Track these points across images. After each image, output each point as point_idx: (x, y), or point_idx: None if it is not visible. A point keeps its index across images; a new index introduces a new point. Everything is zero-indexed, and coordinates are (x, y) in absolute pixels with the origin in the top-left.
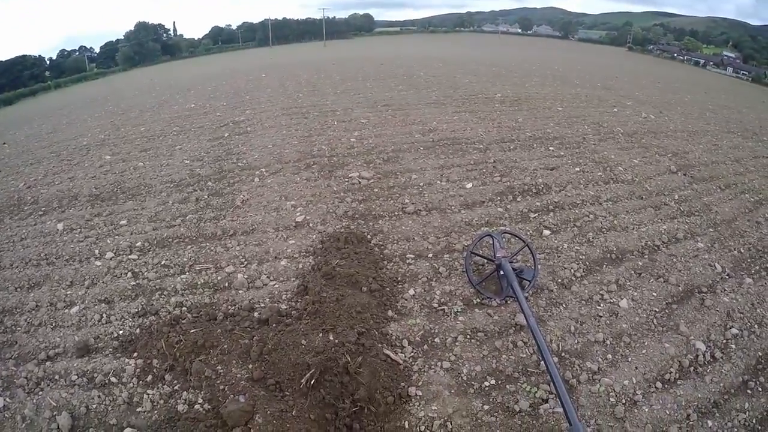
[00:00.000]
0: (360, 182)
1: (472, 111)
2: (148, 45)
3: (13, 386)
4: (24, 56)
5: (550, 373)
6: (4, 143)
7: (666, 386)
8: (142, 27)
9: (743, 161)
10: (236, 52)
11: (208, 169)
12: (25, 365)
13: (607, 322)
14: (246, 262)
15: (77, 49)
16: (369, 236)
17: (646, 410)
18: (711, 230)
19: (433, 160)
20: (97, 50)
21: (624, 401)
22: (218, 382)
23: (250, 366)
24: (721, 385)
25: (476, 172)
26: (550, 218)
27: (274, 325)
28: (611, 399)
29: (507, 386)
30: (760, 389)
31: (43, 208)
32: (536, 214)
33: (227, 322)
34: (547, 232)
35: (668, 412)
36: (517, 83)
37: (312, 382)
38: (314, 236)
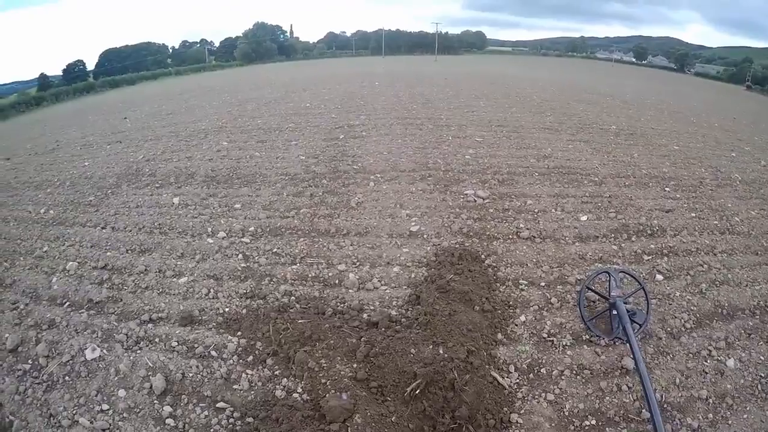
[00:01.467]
0: (475, 200)
1: (587, 141)
2: (265, 44)
3: (112, 340)
4: (149, 43)
5: (654, 422)
6: (125, 118)
7: None
8: (260, 26)
9: None
10: (349, 58)
11: (323, 168)
12: (126, 323)
13: (713, 380)
14: (358, 263)
15: (198, 41)
16: (483, 256)
17: None
18: None
19: (548, 188)
20: (217, 44)
21: None
22: (320, 375)
23: (355, 365)
24: None
25: (591, 205)
26: (663, 263)
27: (383, 329)
28: None
29: (607, 429)
30: None
31: (159, 181)
32: (650, 257)
33: (336, 318)
34: (659, 276)
35: None
36: (632, 116)
37: (417, 392)
38: (428, 248)
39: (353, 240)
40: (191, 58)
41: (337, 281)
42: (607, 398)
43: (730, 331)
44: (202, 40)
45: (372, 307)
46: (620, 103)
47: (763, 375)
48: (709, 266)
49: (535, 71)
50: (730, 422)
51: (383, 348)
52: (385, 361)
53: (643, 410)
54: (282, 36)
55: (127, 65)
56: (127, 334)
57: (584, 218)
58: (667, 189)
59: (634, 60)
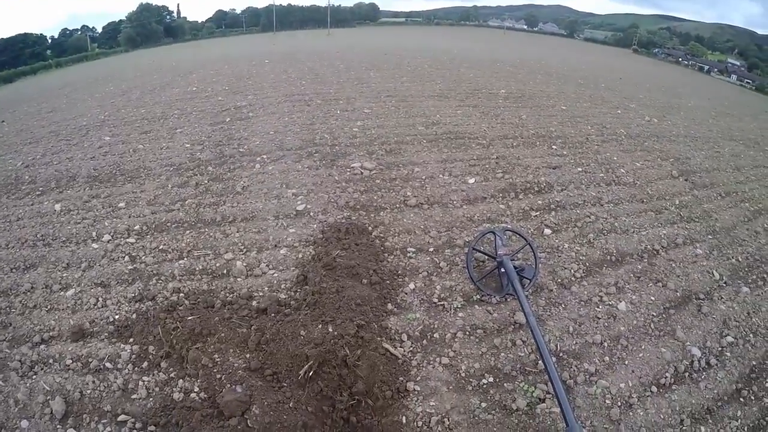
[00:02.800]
0: (362, 173)
1: (476, 106)
2: (151, 26)
3: (7, 369)
4: (25, 34)
5: (549, 373)
6: (3, 121)
7: (661, 391)
8: (145, 8)
9: (744, 170)
10: (240, 36)
11: (209, 154)
12: (19, 348)
13: (606, 324)
14: (245, 250)
15: (79, 28)
16: (370, 228)
17: (641, 414)
18: (710, 237)
19: (436, 154)
20: (100, 30)
21: (620, 404)
22: (215, 371)
23: (248, 355)
24: (715, 392)
25: (479, 167)
26: (551, 217)
27: (272, 314)
28: (607, 401)
29: (505, 384)
30: (752, 398)
31: (40, 188)
32: (538, 213)
33: (225, 310)
34: (548, 231)
35: (662, 417)
36: (521, 80)
37: (310, 374)
38: (315, 226)
39: (239, 226)
40: (73, 47)
41: (225, 271)
42: (503, 354)
43: (620, 276)
44: (83, 26)
45: (261, 294)
46: (510, 69)
47: (654, 314)
48: (596, 217)
49: (428, 41)
50: (626, 362)
51: (273, 334)
52: (277, 347)
53: (540, 361)
54: (168, 17)
55: (2, 62)
56: (20, 360)
57: (472, 181)
58: (554, 147)
59: (525, 27)
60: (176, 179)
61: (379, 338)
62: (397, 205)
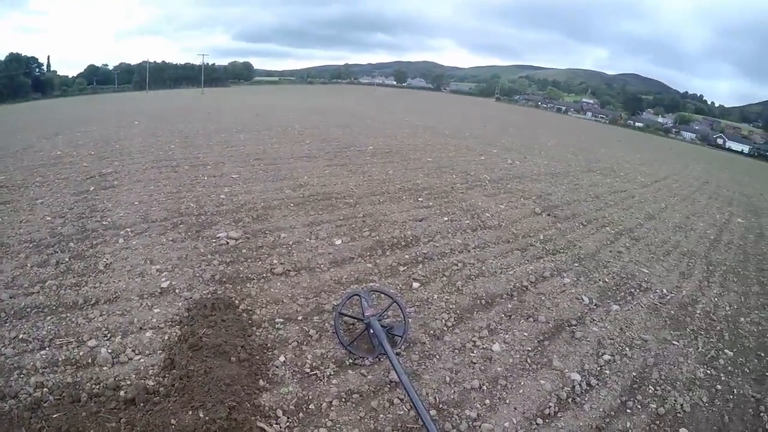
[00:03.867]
0: (228, 243)
1: (344, 164)
2: (19, 79)
3: None
4: None
5: (427, 428)
6: None
7: (547, 421)
8: (13, 59)
9: (602, 197)
10: (111, 94)
11: (71, 228)
12: None
13: (482, 367)
14: (110, 335)
15: None
16: (237, 301)
17: None
18: (576, 265)
19: (303, 217)
20: None
21: None
22: None
23: None
24: (601, 410)
25: (346, 227)
26: (419, 270)
27: (141, 404)
28: None
29: None
30: (639, 407)
31: None
32: (405, 267)
33: (92, 403)
34: (416, 284)
35: None
36: (389, 134)
37: None
38: (180, 303)
39: (103, 309)
40: None
41: (89, 360)
42: (381, 416)
43: (491, 318)
44: None
45: (128, 382)
46: (378, 124)
47: (529, 348)
48: (463, 264)
49: (300, 100)
50: (508, 401)
51: (144, 426)
52: None
53: (419, 418)
54: (38, 69)
55: None
56: None
57: (339, 242)
58: (420, 199)
59: (395, 83)
60: (36, 257)
61: (252, 418)
62: (264, 275)
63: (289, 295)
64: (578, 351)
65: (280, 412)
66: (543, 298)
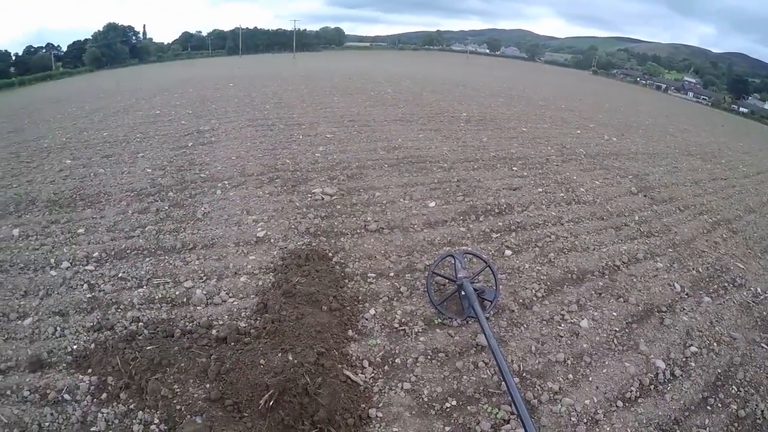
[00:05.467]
0: (323, 198)
1: (437, 129)
2: (117, 47)
3: None
4: None
5: (511, 394)
6: None
7: (627, 405)
8: (111, 28)
9: (701, 183)
10: (205, 59)
11: (170, 179)
12: None
13: (568, 342)
14: (205, 277)
15: (44, 46)
16: (330, 254)
17: (608, 429)
18: (670, 250)
19: (397, 178)
20: (65, 49)
21: (585, 421)
22: (175, 401)
23: (208, 386)
24: (682, 402)
25: (440, 191)
26: (512, 238)
27: (232, 343)
28: (572, 419)
29: (468, 407)
30: (719, 405)
31: None
32: (498, 234)
33: (184, 339)
34: (508, 252)
35: (629, 431)
36: (483, 103)
37: (270, 404)
38: (275, 252)
39: (200, 253)
40: (37, 65)
41: (184, 299)
42: (465, 377)
43: (581, 294)
44: (48, 44)
45: (221, 322)
46: (472, 92)
47: (617, 329)
48: (556, 236)
49: (391, 65)
50: (590, 379)
51: (233, 363)
52: (237, 377)
53: (502, 383)
54: (134, 37)
55: None
56: None
57: (432, 204)
58: (514, 168)
59: (487, 51)
60: (136, 205)
61: (339, 365)
62: (358, 231)
63: (382, 251)
64: (666, 338)
65: (366, 363)
66: (634, 279)
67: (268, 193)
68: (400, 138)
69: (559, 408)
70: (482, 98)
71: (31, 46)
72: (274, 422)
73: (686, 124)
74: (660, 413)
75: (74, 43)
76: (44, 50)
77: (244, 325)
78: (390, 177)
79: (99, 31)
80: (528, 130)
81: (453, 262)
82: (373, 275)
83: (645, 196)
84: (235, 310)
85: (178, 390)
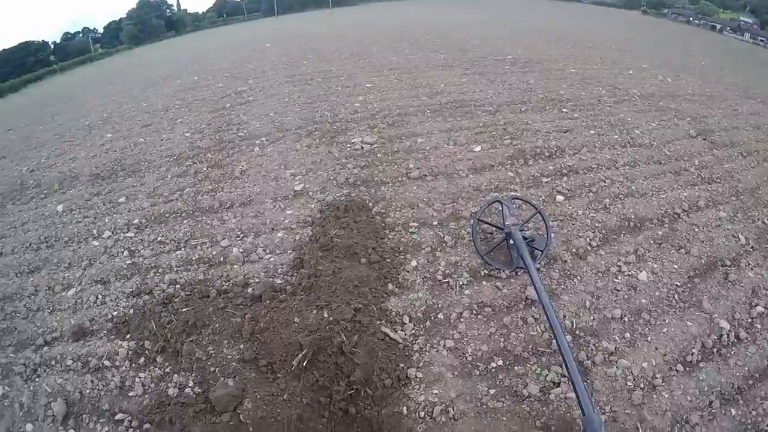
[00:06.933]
0: (363, 147)
1: (482, 73)
2: (152, 22)
3: (12, 374)
4: (27, 42)
5: (563, 354)
6: (10, 130)
7: (687, 369)
8: (144, 4)
9: (764, 128)
10: (241, 23)
11: (208, 141)
12: (23, 352)
13: (625, 296)
14: (242, 235)
15: (81, 31)
16: (370, 204)
17: (666, 396)
18: (733, 199)
19: (440, 123)
20: (101, 31)
21: (642, 386)
22: (209, 363)
23: (242, 346)
24: (746, 369)
25: (485, 134)
26: (563, 183)
27: (267, 301)
28: (629, 383)
29: (515, 368)
30: None
31: (45, 191)
32: (549, 179)
33: (220, 299)
34: (560, 197)
35: (689, 399)
36: (528, 45)
37: (304, 364)
38: (313, 205)
39: (237, 211)
40: (76, 50)
41: (221, 259)
42: (513, 334)
43: (639, 243)
44: (84, 28)
45: (257, 280)
46: (515, 34)
47: (678, 284)
48: (611, 180)
49: (432, 13)
50: (649, 338)
51: (267, 322)
52: (271, 336)
53: (553, 341)
54: (169, 10)
55: (6, 72)
56: (24, 364)
57: (478, 149)
58: (564, 110)
59: None
60: (175, 169)
61: (378, 322)
62: (399, 179)
63: (425, 199)
64: (730, 296)
65: (406, 319)
66: (696, 229)
67: (306, 146)
68: (443, 83)
69: (614, 371)
70: (527, 41)
71: (68, 33)
72: (308, 383)
73: (744, 66)
74: (722, 380)
75: (110, 23)
76: (81, 35)
77: (280, 281)
78: (433, 122)
79: (133, 9)
80: (577, 71)
81: (500, 208)
82: (416, 224)
83: (704, 139)
84: (272, 266)
85: (212, 351)
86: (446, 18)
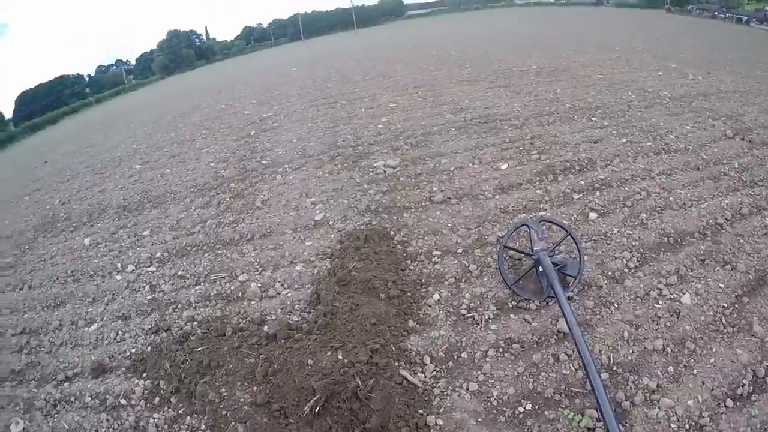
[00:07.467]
0: (385, 171)
1: (507, 85)
2: (182, 52)
3: (33, 408)
4: (62, 76)
5: (596, 395)
6: (46, 162)
7: (738, 404)
8: (174, 35)
9: None
10: (269, 49)
11: (232, 170)
12: (45, 386)
13: (668, 324)
14: (260, 269)
15: (114, 63)
16: (392, 232)
17: None
18: None
19: (465, 141)
20: (134, 62)
21: (687, 427)
22: (221, 406)
23: (255, 389)
24: None
25: (512, 150)
26: (596, 198)
27: (282, 341)
28: (672, 425)
29: (545, 413)
30: None
31: (74, 224)
32: (580, 195)
33: (235, 338)
34: (593, 215)
35: None
36: (552, 54)
37: (317, 410)
38: (333, 236)
39: (256, 244)
40: (110, 82)
41: (239, 294)
42: (543, 374)
43: (681, 262)
44: (117, 60)
45: (273, 317)
46: (539, 43)
47: (725, 305)
48: (647, 192)
49: (455, 28)
50: (695, 371)
51: (281, 364)
52: (284, 379)
53: (587, 381)
54: (198, 40)
55: (45, 105)
56: (45, 399)
57: (504, 166)
58: (593, 119)
59: (552, 1)
60: (199, 200)
61: (396, 363)
62: (422, 203)
63: (449, 225)
64: None
65: (427, 359)
66: (741, 240)
67: (328, 172)
68: (467, 99)
69: (656, 413)
70: (551, 49)
71: (101, 65)
72: (321, 430)
73: None
74: None
75: (142, 55)
76: (115, 67)
77: (296, 319)
78: (457, 141)
79: (163, 39)
80: (604, 76)
81: (528, 232)
82: (439, 253)
83: (743, 139)
84: (289, 303)
85: (225, 393)
86: (469, 31)
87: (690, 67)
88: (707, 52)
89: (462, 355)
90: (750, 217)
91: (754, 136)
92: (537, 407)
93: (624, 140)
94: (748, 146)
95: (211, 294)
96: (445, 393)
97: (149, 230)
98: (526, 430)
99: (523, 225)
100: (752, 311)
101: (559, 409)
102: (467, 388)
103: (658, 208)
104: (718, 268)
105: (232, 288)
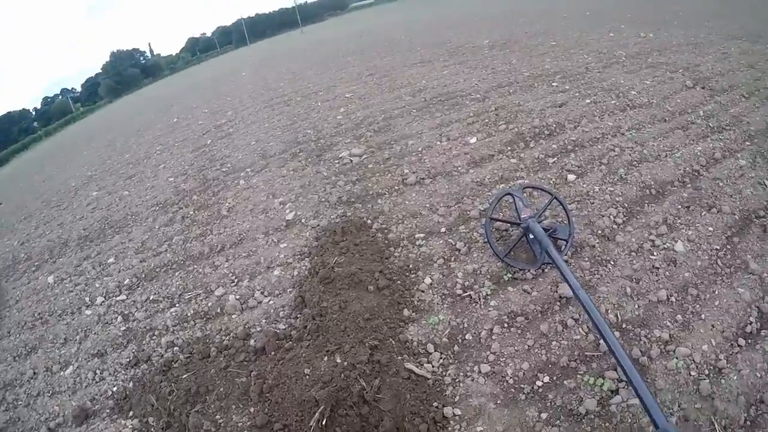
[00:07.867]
0: (351, 160)
1: (462, 62)
2: (127, 72)
3: None
4: (8, 113)
5: (614, 354)
6: (0, 203)
7: (750, 341)
8: (116, 56)
9: (758, 66)
10: (216, 58)
11: (192, 182)
12: None
13: (667, 273)
14: (236, 280)
15: (59, 93)
16: (369, 221)
17: (735, 378)
18: (748, 144)
19: (429, 121)
20: (79, 89)
21: (707, 372)
22: None
23: (252, 409)
24: None
25: (478, 124)
26: (571, 160)
27: (272, 353)
28: (692, 373)
29: (565, 382)
30: None
31: (35, 263)
32: (555, 159)
33: (221, 357)
34: (571, 176)
35: (759, 375)
36: (503, 27)
37: (324, 422)
38: (307, 233)
39: (228, 254)
40: (57, 112)
41: (218, 310)
42: (554, 343)
43: (667, 211)
44: (62, 89)
45: (258, 328)
46: (489, 19)
47: (718, 247)
48: (620, 148)
49: (400, 15)
50: (703, 316)
51: (276, 378)
52: (282, 394)
53: (600, 340)
54: (142, 58)
55: None
56: None
57: (473, 140)
58: (554, 84)
59: None
60: (162, 218)
61: (399, 357)
62: (396, 187)
63: (427, 205)
64: None
65: (431, 347)
66: (721, 183)
67: (293, 169)
68: (424, 79)
69: (674, 363)
70: (501, 24)
71: (47, 97)
72: None
73: (721, 10)
74: None
75: (87, 80)
76: (60, 96)
77: (283, 327)
78: (421, 121)
79: (107, 62)
80: (557, 42)
81: (512, 201)
82: (422, 235)
83: (703, 87)
84: (272, 311)
85: (221, 420)
86: (415, 18)
87: (639, 25)
88: (654, 11)
89: (466, 337)
90: (724, 160)
91: (714, 84)
92: (555, 378)
93: (588, 101)
94: (710, 94)
95: (188, 314)
96: (457, 380)
97: (114, 257)
98: (548, 403)
99: (507, 194)
100: (745, 250)
101: (578, 375)
102: (479, 371)
103: (635, 162)
104: (704, 212)
105: (209, 304)
